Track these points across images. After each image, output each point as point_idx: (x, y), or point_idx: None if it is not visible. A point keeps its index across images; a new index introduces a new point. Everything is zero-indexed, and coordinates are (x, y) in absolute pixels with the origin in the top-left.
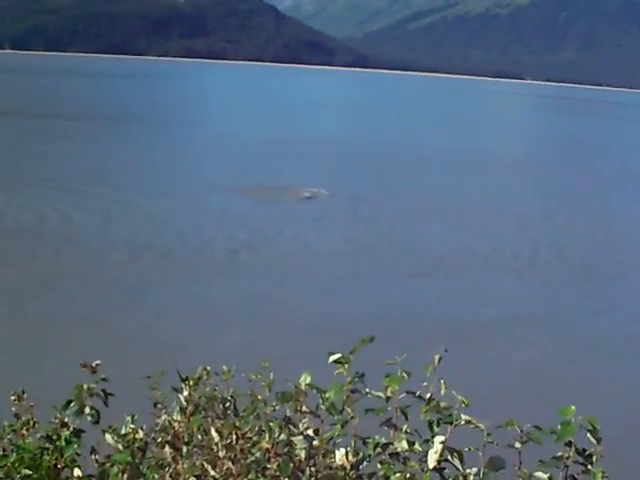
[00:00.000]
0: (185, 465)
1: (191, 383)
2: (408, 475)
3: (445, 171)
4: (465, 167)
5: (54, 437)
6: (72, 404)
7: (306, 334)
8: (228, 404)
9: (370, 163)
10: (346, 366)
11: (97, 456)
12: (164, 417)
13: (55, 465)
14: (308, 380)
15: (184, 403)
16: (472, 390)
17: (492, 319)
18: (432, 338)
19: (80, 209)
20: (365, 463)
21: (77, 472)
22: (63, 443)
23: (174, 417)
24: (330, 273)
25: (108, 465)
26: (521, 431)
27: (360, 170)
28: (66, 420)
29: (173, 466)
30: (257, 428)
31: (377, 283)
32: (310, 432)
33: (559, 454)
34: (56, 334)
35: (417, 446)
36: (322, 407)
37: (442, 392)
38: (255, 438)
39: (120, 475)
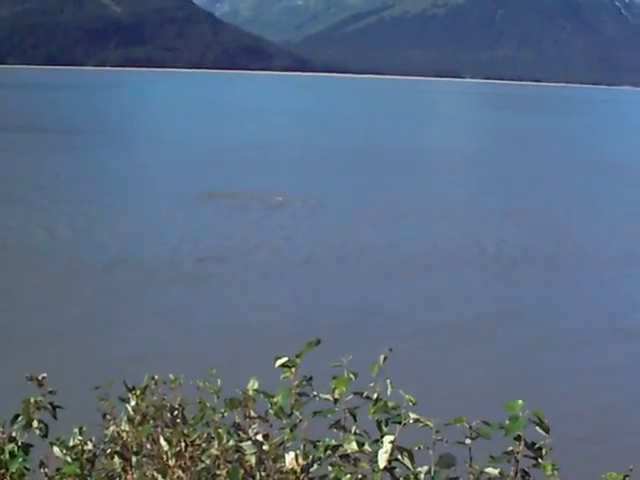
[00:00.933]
0: (135, 475)
1: (138, 393)
2: (359, 476)
3: (400, 171)
4: (418, 166)
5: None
6: (19, 418)
7: (268, 340)
8: (176, 412)
9: (326, 166)
10: (293, 370)
11: (46, 469)
12: (112, 428)
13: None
14: (256, 386)
15: (132, 413)
16: (437, 389)
17: (458, 317)
18: (399, 338)
19: (34, 224)
20: (315, 466)
21: None
22: (7, 457)
23: (122, 427)
24: (296, 277)
25: (57, 478)
26: (470, 427)
27: (318, 174)
28: (14, 435)
29: (123, 477)
30: (206, 435)
31: (342, 286)
32: (259, 437)
33: (509, 449)
34: (6, 348)
35: (367, 447)
36: (271, 412)
37: (389, 392)
38: (204, 445)
39: None
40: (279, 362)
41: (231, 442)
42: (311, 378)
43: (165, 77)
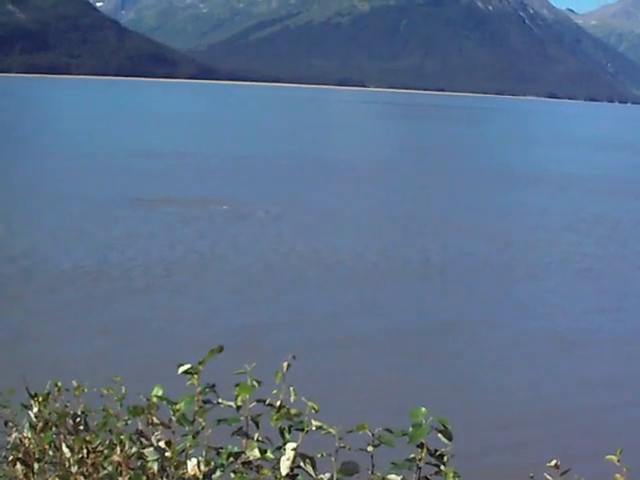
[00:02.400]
0: None
1: (40, 399)
2: None
3: (311, 179)
4: (326, 174)
5: None
6: None
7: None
8: (79, 419)
9: (249, 174)
10: (196, 377)
11: None
12: (15, 435)
13: None
14: (160, 393)
15: (34, 419)
16: (356, 399)
17: (385, 328)
18: (324, 348)
19: None
20: (218, 473)
21: None
22: None
23: (24, 434)
24: (234, 285)
25: None
26: (372, 435)
27: (244, 182)
28: None
29: None
30: (108, 442)
31: (270, 295)
32: (162, 444)
33: (412, 456)
34: None
35: (269, 454)
36: (173, 419)
37: (292, 399)
38: (107, 452)
39: None
40: (181, 369)
41: (134, 449)
42: (214, 385)
43: (70, 84)
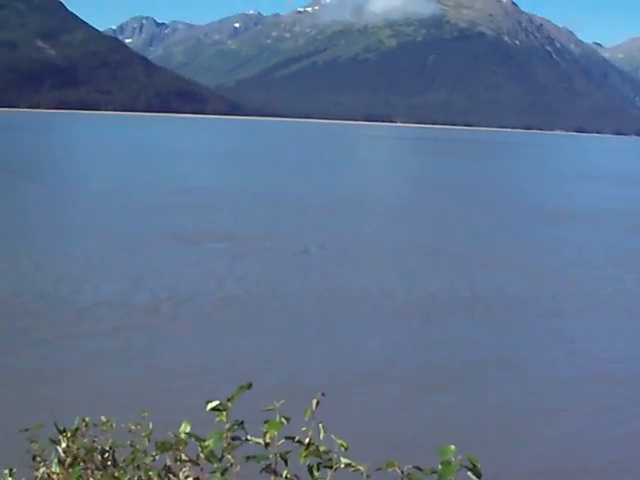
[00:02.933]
0: None
1: (69, 435)
2: None
3: (352, 218)
4: (362, 212)
5: None
6: None
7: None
8: (107, 455)
9: (288, 211)
10: (224, 413)
11: None
12: (42, 470)
13: None
14: (188, 429)
15: (62, 455)
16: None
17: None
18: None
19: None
20: None
21: None
22: None
23: (52, 469)
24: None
25: None
26: (402, 472)
27: (286, 218)
28: None
29: None
30: (136, 478)
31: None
32: None
33: None
34: None
35: None
36: (202, 455)
37: (321, 436)
38: None
39: None
40: (210, 406)
41: None
42: (242, 422)
43: (99, 119)
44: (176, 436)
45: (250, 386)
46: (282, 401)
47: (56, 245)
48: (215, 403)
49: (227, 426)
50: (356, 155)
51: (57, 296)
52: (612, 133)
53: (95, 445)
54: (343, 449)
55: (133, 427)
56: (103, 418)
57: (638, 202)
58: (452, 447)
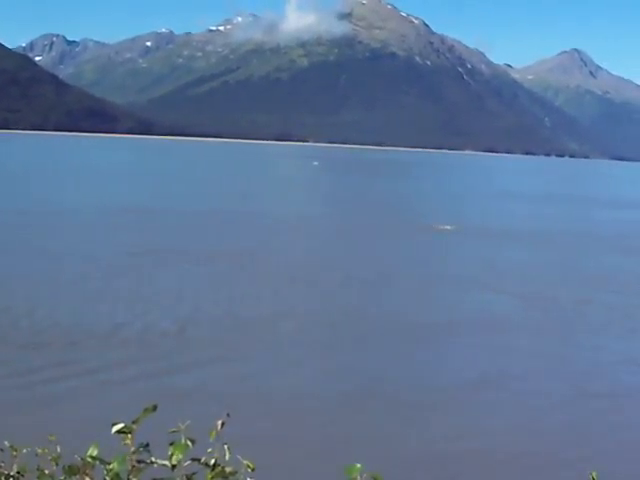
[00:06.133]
0: None
1: None
2: None
3: (242, 233)
4: (263, 229)
5: None
6: None
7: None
8: None
9: (208, 227)
10: (129, 436)
11: None
12: None
13: None
14: (95, 452)
15: None
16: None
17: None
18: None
19: None
20: None
21: None
22: None
23: None
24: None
25: None
26: None
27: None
28: None
29: None
30: None
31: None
32: None
33: None
34: None
35: None
36: (107, 479)
37: (227, 457)
38: None
39: None
40: (115, 428)
41: None
42: (147, 445)
43: (7, 139)
44: (82, 459)
45: (155, 408)
46: (187, 422)
47: None
48: (120, 426)
49: (132, 449)
50: (265, 173)
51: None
52: (522, 153)
53: (1, 470)
54: (250, 470)
55: (40, 451)
56: (7, 443)
57: (540, 220)
58: (358, 465)
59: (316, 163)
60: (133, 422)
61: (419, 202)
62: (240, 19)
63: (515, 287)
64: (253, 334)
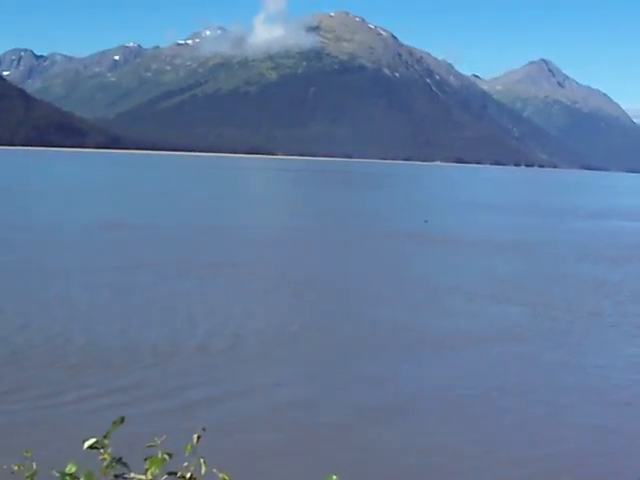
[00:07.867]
0: None
1: None
2: None
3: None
4: (231, 243)
5: None
6: None
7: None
8: None
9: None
10: (102, 450)
11: None
12: None
13: None
14: (73, 470)
15: None
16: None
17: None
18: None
19: None
20: None
21: None
22: None
23: None
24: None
25: None
26: None
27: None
28: None
29: None
30: None
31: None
32: None
33: None
34: None
35: None
36: None
37: (202, 471)
38: None
39: None
40: (87, 443)
41: None
42: (121, 459)
43: None
44: (60, 474)
45: (123, 420)
46: (164, 437)
47: None
48: (92, 441)
49: (105, 463)
50: (236, 187)
51: None
52: (491, 163)
53: None
54: None
55: (16, 468)
56: None
57: (506, 231)
58: (334, 477)
59: (288, 175)
60: (104, 436)
61: (403, 213)
62: (208, 32)
63: (521, 296)
64: (223, 351)
